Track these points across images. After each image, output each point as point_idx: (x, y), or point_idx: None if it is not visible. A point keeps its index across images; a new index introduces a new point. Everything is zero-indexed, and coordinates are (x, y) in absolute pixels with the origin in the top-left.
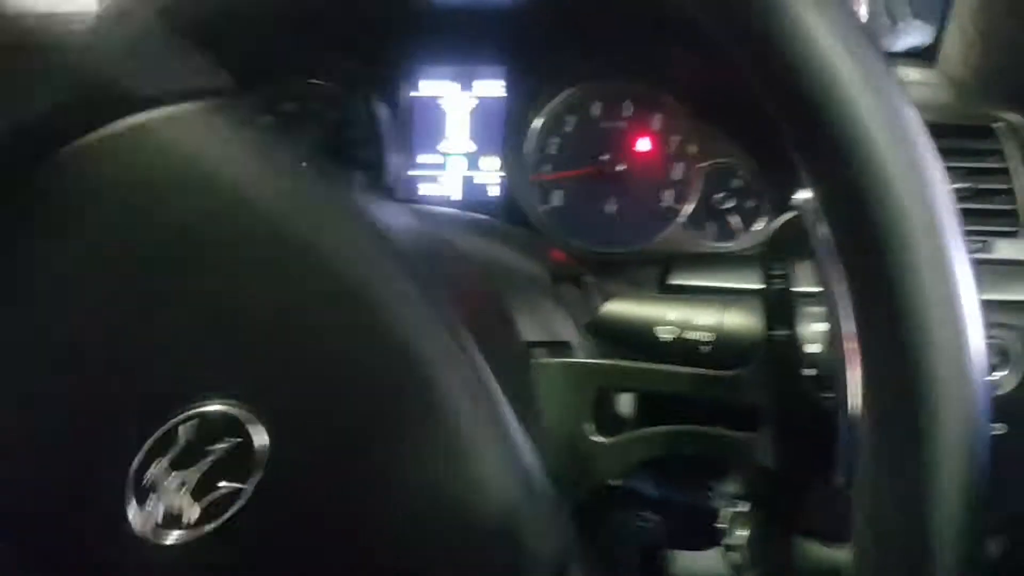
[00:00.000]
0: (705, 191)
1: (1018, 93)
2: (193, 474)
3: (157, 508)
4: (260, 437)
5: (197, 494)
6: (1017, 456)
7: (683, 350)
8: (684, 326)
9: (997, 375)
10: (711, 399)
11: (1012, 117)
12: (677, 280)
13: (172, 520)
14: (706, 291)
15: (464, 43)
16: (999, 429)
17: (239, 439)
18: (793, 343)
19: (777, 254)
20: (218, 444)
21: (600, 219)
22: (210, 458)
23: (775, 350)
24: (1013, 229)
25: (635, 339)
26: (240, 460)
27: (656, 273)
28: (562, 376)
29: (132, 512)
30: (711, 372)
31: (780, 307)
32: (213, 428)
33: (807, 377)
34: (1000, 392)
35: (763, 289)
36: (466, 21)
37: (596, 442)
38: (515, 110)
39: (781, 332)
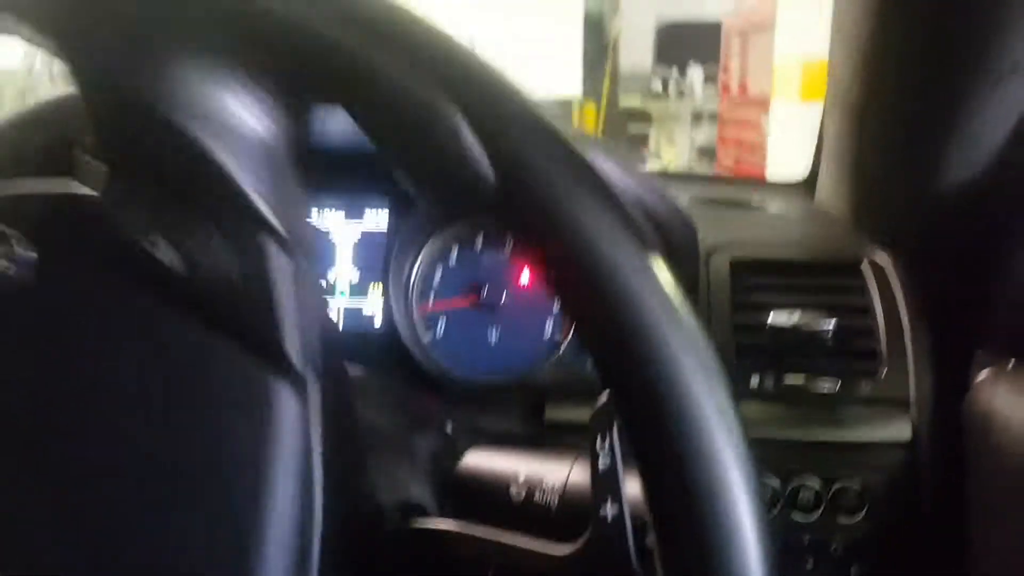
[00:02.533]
0: None
1: (886, 232)
2: None
3: None
4: None
5: None
6: None
7: (533, 512)
8: (534, 487)
9: (855, 519)
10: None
11: (878, 255)
12: (553, 415)
13: None
14: (581, 428)
15: (352, 177)
16: (858, 572)
17: None
18: (622, 521)
19: (598, 429)
20: None
21: (482, 350)
22: None
23: (603, 529)
24: (873, 369)
25: (489, 498)
26: None
27: (534, 407)
28: (414, 542)
29: None
30: (546, 550)
31: (607, 484)
32: None
33: (646, 553)
34: (858, 535)
35: (591, 467)
36: (352, 158)
37: None
38: (400, 242)
39: (610, 511)
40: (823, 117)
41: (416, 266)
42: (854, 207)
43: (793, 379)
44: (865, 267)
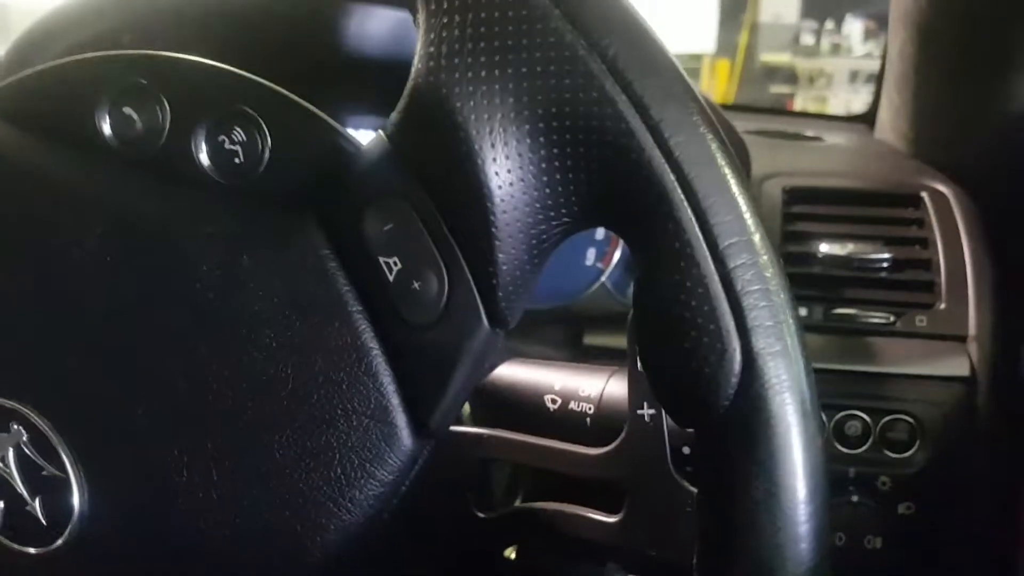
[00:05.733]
0: (627, 250)
1: (948, 161)
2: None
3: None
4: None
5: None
6: (923, 535)
7: (568, 420)
8: (569, 396)
9: (905, 454)
10: (587, 477)
11: (939, 187)
12: (592, 341)
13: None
14: (620, 353)
15: (389, 93)
16: (907, 509)
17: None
18: (660, 421)
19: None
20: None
21: None
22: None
23: (640, 429)
24: (930, 302)
25: (523, 407)
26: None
27: (573, 333)
28: (444, 443)
29: None
30: (582, 450)
31: (646, 385)
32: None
33: (681, 456)
34: (909, 470)
35: (629, 367)
36: (390, 71)
37: (476, 516)
38: None
39: (646, 411)
40: (886, 42)
41: None
42: (916, 137)
43: (844, 311)
44: (925, 198)
